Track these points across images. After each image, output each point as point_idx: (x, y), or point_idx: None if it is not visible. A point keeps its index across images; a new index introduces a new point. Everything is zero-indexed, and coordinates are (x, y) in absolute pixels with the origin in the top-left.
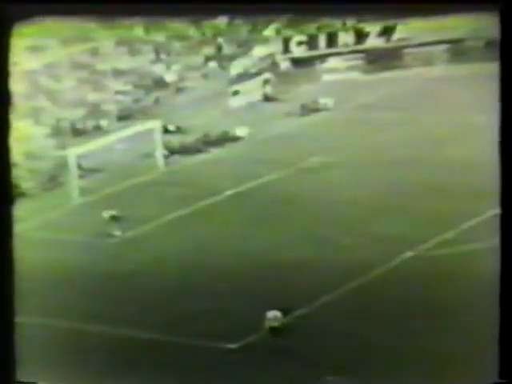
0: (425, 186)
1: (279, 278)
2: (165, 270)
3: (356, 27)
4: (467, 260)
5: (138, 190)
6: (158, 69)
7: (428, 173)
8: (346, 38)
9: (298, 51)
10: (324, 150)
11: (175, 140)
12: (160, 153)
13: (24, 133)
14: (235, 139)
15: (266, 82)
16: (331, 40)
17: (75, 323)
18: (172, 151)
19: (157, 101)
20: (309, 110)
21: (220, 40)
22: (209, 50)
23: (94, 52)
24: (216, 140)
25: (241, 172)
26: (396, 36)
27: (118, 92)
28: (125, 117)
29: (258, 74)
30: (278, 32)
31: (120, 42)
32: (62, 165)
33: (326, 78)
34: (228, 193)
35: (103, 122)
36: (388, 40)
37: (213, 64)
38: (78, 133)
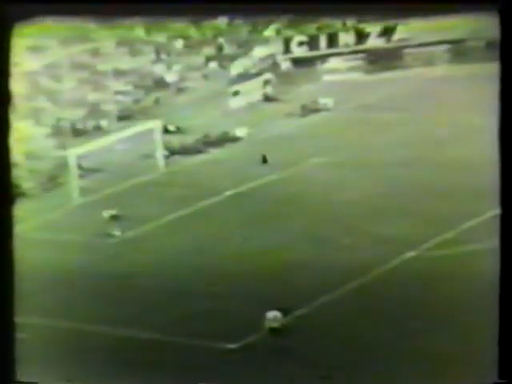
0: (425, 186)
1: (279, 278)
2: (165, 270)
3: (356, 27)
4: (467, 260)
5: (138, 190)
6: (159, 69)
7: (428, 173)
8: (346, 39)
9: (299, 51)
10: (324, 150)
11: (175, 140)
12: (160, 153)
13: (24, 133)
14: (235, 139)
15: (266, 82)
16: (332, 40)
17: (75, 323)
18: (172, 151)
19: (157, 101)
20: (309, 110)
21: (220, 40)
22: (209, 51)
23: (95, 52)
24: (216, 140)
25: (241, 172)
26: (396, 36)
27: (118, 92)
28: (125, 117)
29: (258, 74)
30: (278, 32)
31: (120, 43)
32: (63, 165)
33: (327, 78)
34: (228, 193)
35: (103, 123)
36: (388, 40)
37: (213, 64)
38: (78, 133)
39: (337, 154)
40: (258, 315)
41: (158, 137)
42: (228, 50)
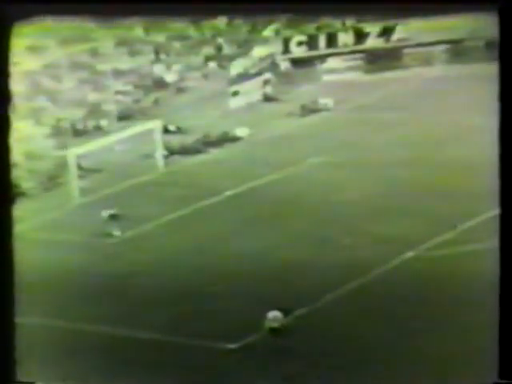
0: (425, 186)
1: (279, 278)
2: (164, 270)
3: (356, 27)
4: (467, 260)
5: (138, 190)
6: (158, 69)
7: (428, 173)
8: (345, 39)
9: (298, 51)
10: (324, 150)
11: (175, 140)
12: (160, 153)
13: (24, 133)
14: (235, 139)
15: (265, 82)
16: (331, 40)
17: (75, 323)
18: (172, 151)
19: (157, 101)
20: (309, 110)
21: (220, 40)
22: (209, 51)
23: (94, 52)
24: (216, 140)
25: (241, 172)
26: (396, 36)
27: (118, 92)
28: (125, 117)
29: (257, 74)
30: (277, 32)
31: (120, 42)
32: (62, 165)
33: (326, 78)
34: (228, 193)
35: (103, 123)
36: (388, 40)
37: (213, 64)
38: (78, 133)
39: (337, 154)
40: (258, 315)
41: (158, 137)
42: (227, 49)
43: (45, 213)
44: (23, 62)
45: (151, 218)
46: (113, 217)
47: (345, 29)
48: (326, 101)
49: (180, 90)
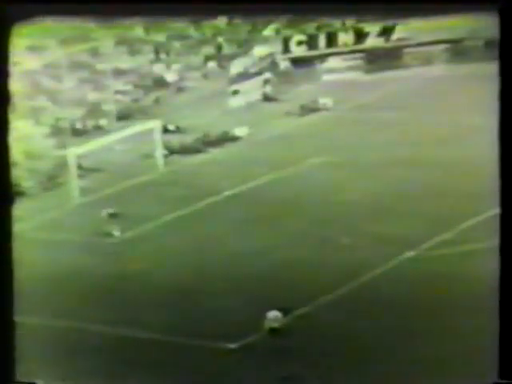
0: (424, 186)
1: (279, 278)
2: (164, 270)
3: (356, 27)
4: (467, 260)
5: (138, 189)
6: (158, 69)
7: (428, 173)
8: (345, 38)
9: (298, 51)
10: (324, 150)
11: (175, 140)
12: (160, 153)
13: (24, 132)
14: (235, 139)
15: (265, 81)
16: (331, 40)
17: (75, 323)
18: (172, 151)
19: (157, 101)
20: (308, 109)
21: (220, 40)
22: (208, 50)
23: (94, 52)
24: (216, 140)
25: (240, 172)
26: (395, 36)
27: (117, 92)
28: (125, 117)
29: (257, 73)
30: (277, 32)
31: (120, 42)
32: (62, 165)
33: (326, 77)
34: (227, 193)
35: (103, 122)
36: (387, 40)
37: (212, 64)
38: (77, 133)
39: (336, 154)
40: (258, 315)
41: (158, 136)
42: (227, 49)
43: (44, 212)
44: (23, 61)
45: (151, 217)
46: (112, 216)
47: (345, 28)
48: (325, 100)
49: (180, 90)
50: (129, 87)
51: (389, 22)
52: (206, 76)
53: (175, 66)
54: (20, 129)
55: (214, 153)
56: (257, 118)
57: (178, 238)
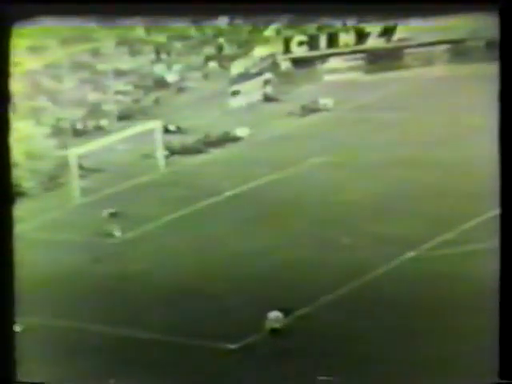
0: (425, 186)
1: (279, 278)
2: (165, 270)
3: (356, 27)
4: (467, 260)
5: (139, 190)
6: (159, 69)
7: (428, 173)
8: (346, 39)
9: (299, 51)
10: (324, 150)
11: (176, 140)
12: (160, 153)
13: (25, 133)
14: (236, 139)
15: (266, 82)
16: (332, 40)
17: (75, 323)
18: (172, 152)
19: (157, 101)
20: (309, 110)
21: (220, 40)
22: (209, 51)
23: (95, 52)
24: (216, 140)
25: (241, 172)
26: (396, 36)
27: (118, 92)
28: (125, 117)
29: (258, 74)
30: (278, 32)
31: (120, 42)
32: (63, 165)
33: (327, 78)
34: (228, 193)
35: (104, 122)
36: (388, 40)
37: (213, 64)
38: (78, 133)
39: (337, 154)
40: (258, 315)
41: (159, 137)
42: (228, 49)
43: (45, 213)
44: (24, 62)
45: (152, 217)
46: (113, 216)
47: (345, 29)
48: (326, 101)
49: (180, 90)
50: (129, 87)
51: (390, 23)
52: (206, 76)
53: (176, 67)
54: (21, 129)
55: (215, 153)
56: (257, 119)
57: (179, 238)
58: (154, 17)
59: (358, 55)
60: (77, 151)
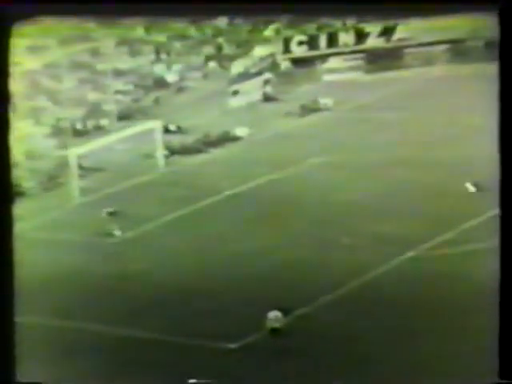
0: (424, 186)
1: (279, 278)
2: (165, 270)
3: (356, 27)
4: (467, 260)
5: (139, 190)
6: (159, 69)
7: (428, 173)
8: (346, 38)
9: (299, 51)
10: (324, 150)
11: (175, 140)
12: (160, 153)
13: (24, 132)
14: (235, 139)
15: (266, 82)
16: (331, 40)
17: (75, 323)
18: (172, 151)
19: (157, 101)
20: (309, 109)
21: (220, 40)
22: (209, 50)
23: (95, 52)
24: (216, 140)
25: (241, 172)
26: (396, 36)
27: (118, 92)
28: (125, 117)
29: (258, 74)
30: (278, 32)
31: (120, 42)
32: (63, 165)
33: (326, 78)
34: (228, 193)
35: (104, 122)
36: (388, 40)
37: (213, 64)
38: (78, 133)
39: (337, 154)
40: (258, 315)
41: (159, 136)
42: (228, 49)
43: (45, 212)
44: (23, 61)
45: (152, 217)
46: (113, 216)
47: (345, 29)
48: (326, 101)
49: (180, 90)
50: (129, 87)
51: (389, 23)
52: (206, 76)
53: (176, 67)
54: (20, 129)
55: (215, 153)
56: (257, 118)
57: (179, 238)
58: (153, 17)
59: (358, 55)
60: (76, 151)
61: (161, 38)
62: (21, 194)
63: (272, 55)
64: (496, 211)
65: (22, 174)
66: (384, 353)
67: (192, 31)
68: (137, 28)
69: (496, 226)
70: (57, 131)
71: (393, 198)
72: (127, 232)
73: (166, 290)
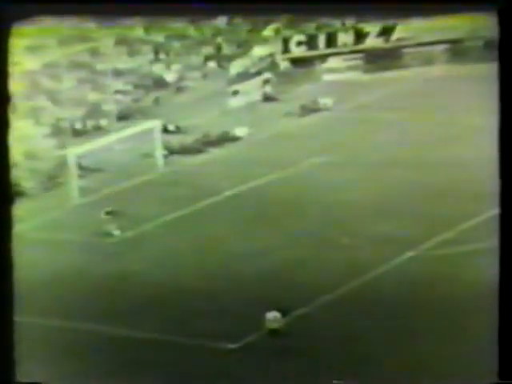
0: (424, 186)
1: (279, 278)
2: (164, 270)
3: (355, 27)
4: (467, 260)
5: (138, 190)
6: (158, 69)
7: (428, 173)
8: (345, 38)
9: (298, 51)
10: (324, 150)
11: (175, 140)
12: (160, 153)
13: (24, 133)
14: (235, 139)
15: (265, 81)
16: (331, 40)
17: (75, 323)
18: (172, 151)
19: (156, 101)
20: (308, 109)
21: (219, 40)
22: (208, 50)
23: (94, 52)
24: (216, 140)
25: (240, 172)
26: (395, 36)
27: (117, 92)
28: (124, 117)
29: (257, 73)
30: (277, 32)
31: (119, 42)
32: (62, 165)
33: (326, 77)
34: (227, 193)
35: (103, 122)
36: (387, 40)
37: (212, 64)
38: (77, 133)
39: (336, 154)
40: (258, 315)
41: (158, 136)
42: (227, 49)
43: (45, 212)
44: (23, 61)
45: (151, 217)
46: (112, 216)
47: (344, 29)
48: (325, 100)
49: (180, 90)
50: (129, 87)
51: (389, 22)
52: (205, 76)
53: (175, 66)
54: (20, 129)
55: (214, 153)
56: (257, 118)
57: (178, 238)
58: (152, 17)
59: (357, 55)
60: (76, 151)
61: (160, 37)
62: (20, 194)
63: (271, 55)
64: (496, 211)
65: (21, 174)
66: (384, 353)
67: (191, 31)
68: (136, 28)
69: (496, 226)
70: (56, 131)
71: (393, 198)
72: (127, 232)
73: (165, 290)
